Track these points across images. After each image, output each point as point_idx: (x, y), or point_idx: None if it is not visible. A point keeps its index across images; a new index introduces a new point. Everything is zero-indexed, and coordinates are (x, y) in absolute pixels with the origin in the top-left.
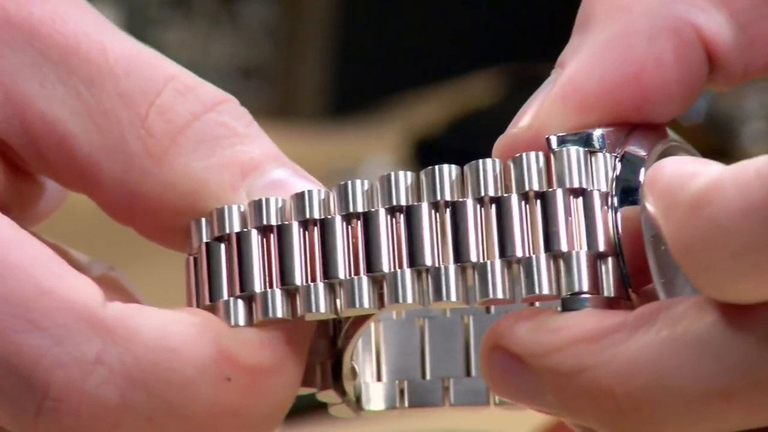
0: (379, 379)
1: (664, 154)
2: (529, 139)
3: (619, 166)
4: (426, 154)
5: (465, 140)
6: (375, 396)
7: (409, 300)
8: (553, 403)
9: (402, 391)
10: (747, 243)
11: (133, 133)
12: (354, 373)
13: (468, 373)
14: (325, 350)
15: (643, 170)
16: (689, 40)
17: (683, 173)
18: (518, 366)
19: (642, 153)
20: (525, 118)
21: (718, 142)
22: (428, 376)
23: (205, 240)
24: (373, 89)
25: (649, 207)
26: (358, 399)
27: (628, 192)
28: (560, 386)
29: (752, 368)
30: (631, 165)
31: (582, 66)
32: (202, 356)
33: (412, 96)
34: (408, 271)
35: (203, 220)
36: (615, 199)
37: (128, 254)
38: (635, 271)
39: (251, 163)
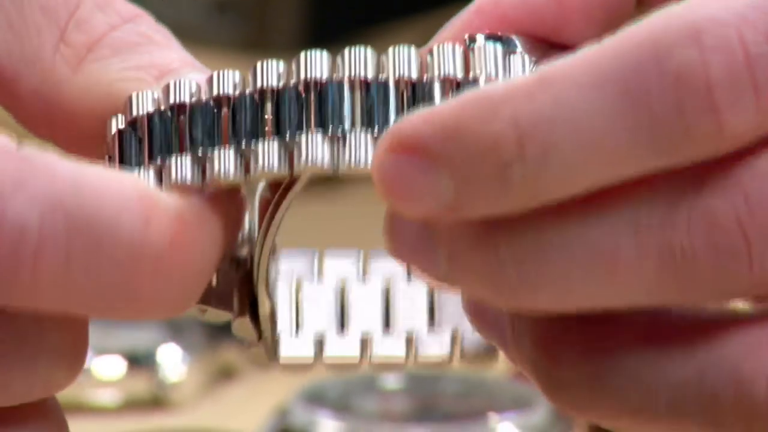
0: (297, 329)
1: None
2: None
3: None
4: None
5: None
6: (292, 345)
7: (319, 163)
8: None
9: (320, 344)
10: (599, 116)
11: (51, 44)
12: (271, 308)
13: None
14: (239, 280)
15: None
16: None
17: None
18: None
19: None
20: (439, 37)
21: None
22: (349, 331)
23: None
24: (349, 22)
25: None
26: (275, 346)
27: None
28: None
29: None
30: None
31: None
32: (124, 193)
33: (387, 28)
34: (318, 134)
35: (119, 114)
36: None
37: None
38: None
39: (168, 66)
